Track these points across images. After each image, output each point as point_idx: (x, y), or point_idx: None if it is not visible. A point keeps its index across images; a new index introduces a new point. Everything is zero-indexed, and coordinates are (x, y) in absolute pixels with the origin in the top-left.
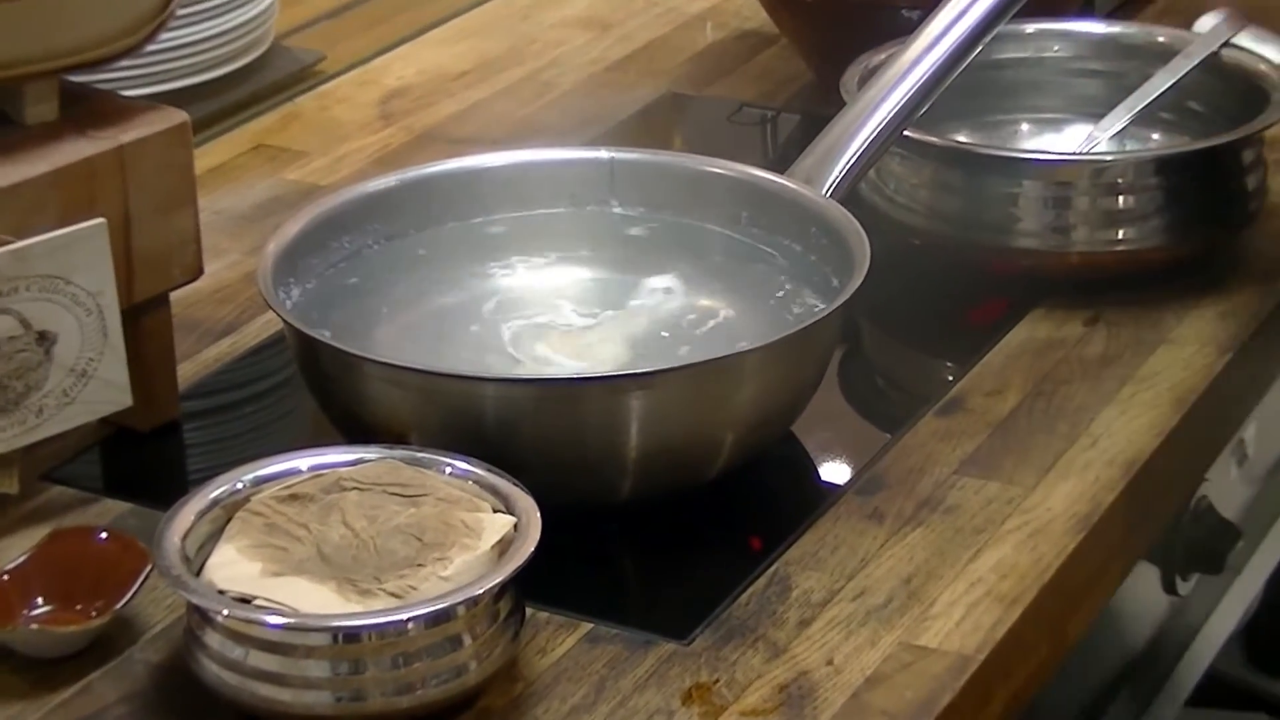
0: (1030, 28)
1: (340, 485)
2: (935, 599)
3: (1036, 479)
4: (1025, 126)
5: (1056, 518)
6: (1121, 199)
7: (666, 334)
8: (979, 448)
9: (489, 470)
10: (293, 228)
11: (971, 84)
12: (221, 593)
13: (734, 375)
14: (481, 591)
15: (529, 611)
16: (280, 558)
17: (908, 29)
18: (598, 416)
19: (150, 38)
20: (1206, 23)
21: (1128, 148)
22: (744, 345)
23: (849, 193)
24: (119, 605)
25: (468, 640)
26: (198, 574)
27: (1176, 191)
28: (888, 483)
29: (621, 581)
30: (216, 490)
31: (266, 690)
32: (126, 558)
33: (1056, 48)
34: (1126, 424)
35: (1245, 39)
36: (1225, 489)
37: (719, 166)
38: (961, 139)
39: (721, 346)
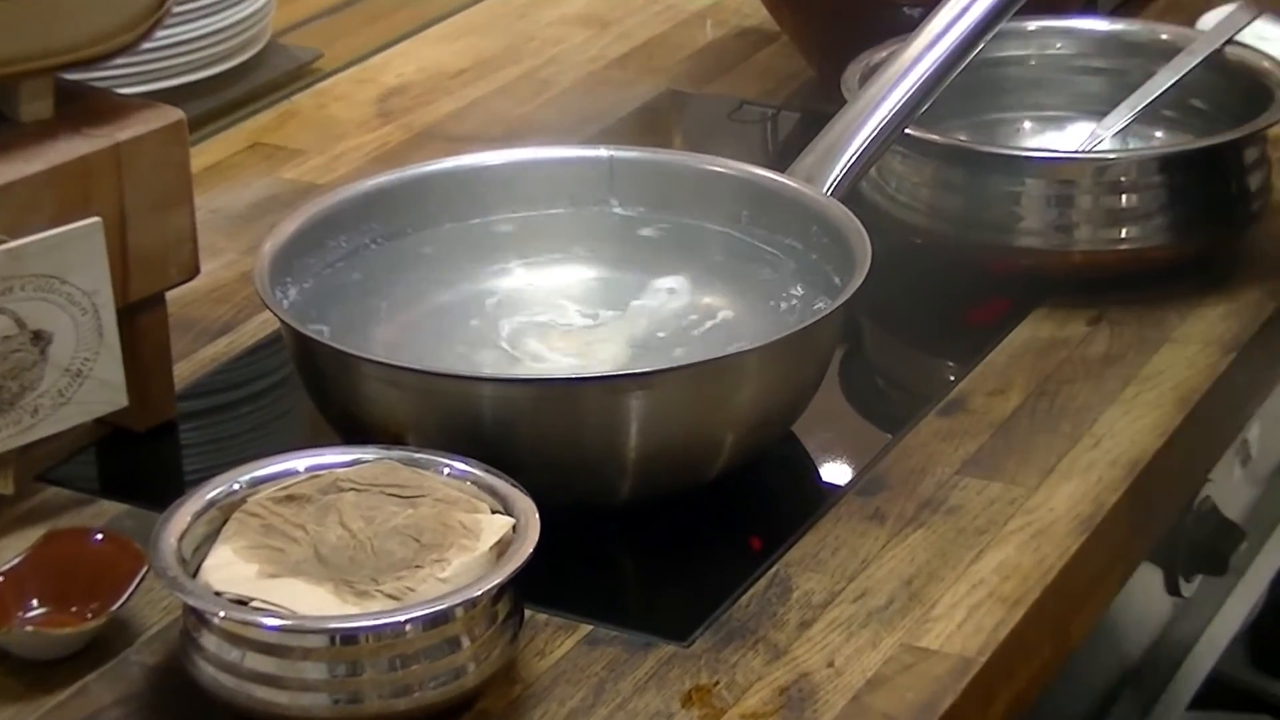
0: (1032, 25)
1: (337, 486)
2: (937, 600)
3: (1039, 479)
4: (1027, 124)
5: (1059, 518)
6: (1124, 197)
7: (666, 334)
8: (981, 448)
9: (487, 471)
10: (289, 226)
11: (973, 82)
12: (218, 594)
13: (734, 375)
14: (480, 593)
15: (528, 613)
16: (277, 559)
17: (909, 26)
18: (597, 417)
19: (146, 35)
20: (1210, 19)
21: (1131, 146)
22: (744, 345)
23: (850, 191)
24: (115, 607)
25: (466, 642)
26: (194, 575)
27: (1180, 190)
28: (889, 483)
29: (621, 583)
30: (213, 491)
31: (263, 692)
32: (122, 559)
33: (1059, 45)
34: (1129, 424)
35: (1250, 36)
36: (1229, 489)
37: (719, 165)
38: (963, 137)
39: (721, 346)
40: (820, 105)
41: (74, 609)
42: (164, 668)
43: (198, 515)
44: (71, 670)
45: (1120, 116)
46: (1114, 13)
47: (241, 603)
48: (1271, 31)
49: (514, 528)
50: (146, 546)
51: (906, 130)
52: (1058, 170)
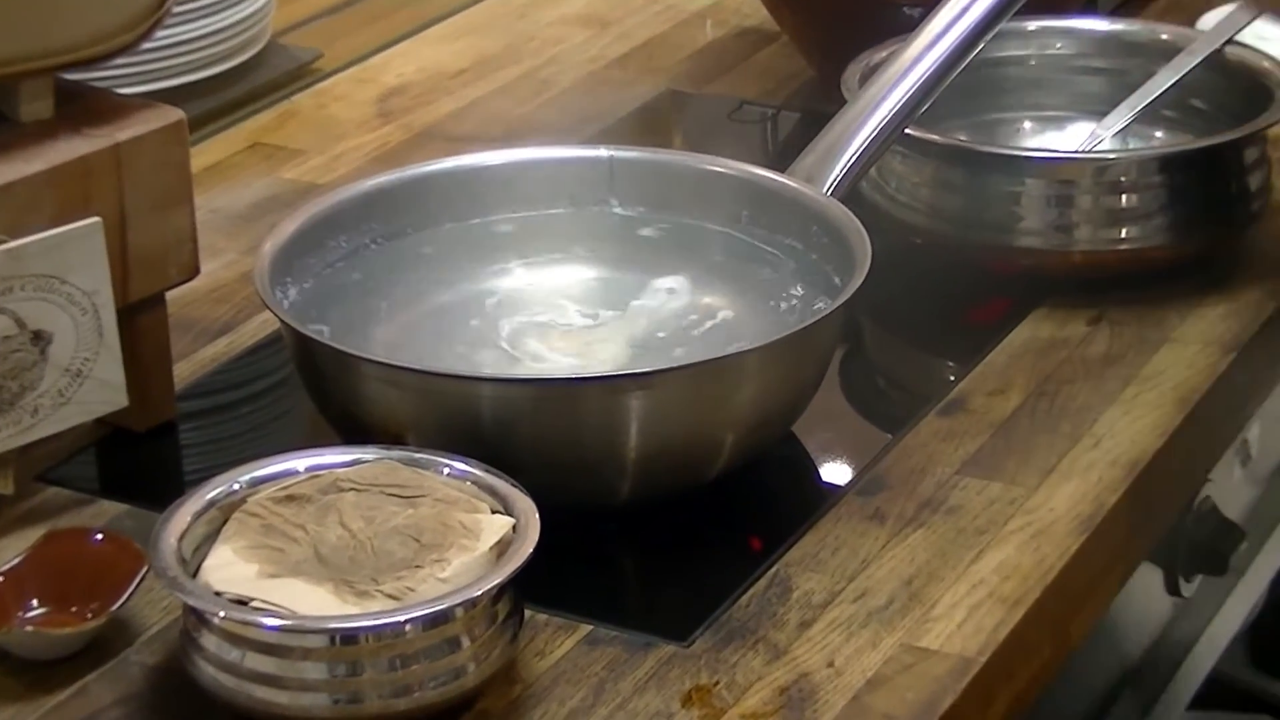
0: (1032, 25)
1: (337, 486)
2: (937, 600)
3: (1039, 479)
4: (1027, 124)
5: (1059, 519)
6: (1124, 197)
7: (666, 334)
8: (981, 448)
9: (487, 471)
10: (290, 226)
11: (973, 82)
12: (218, 594)
13: (734, 375)
14: (480, 593)
15: (527, 613)
16: (277, 559)
17: (909, 26)
18: (597, 417)
19: (146, 35)
20: (1210, 19)
21: (1131, 146)
22: (744, 345)
23: (850, 191)
24: (115, 607)
25: (466, 642)
26: (194, 575)
27: (1180, 190)
28: (889, 483)
29: (621, 583)
30: (213, 491)
31: (263, 692)
32: (122, 559)
33: (1059, 45)
34: (1130, 424)
35: (1250, 36)
36: (1229, 489)
37: (719, 165)
38: (963, 137)
39: (721, 347)
40: (820, 105)
41: (74, 609)
42: (164, 668)
43: (198, 515)
44: (71, 670)
45: (1120, 116)
46: (1114, 13)
47: (241, 603)
48: (1271, 31)
49: (514, 528)
50: (146, 546)
51: (906, 130)
52: (1058, 170)
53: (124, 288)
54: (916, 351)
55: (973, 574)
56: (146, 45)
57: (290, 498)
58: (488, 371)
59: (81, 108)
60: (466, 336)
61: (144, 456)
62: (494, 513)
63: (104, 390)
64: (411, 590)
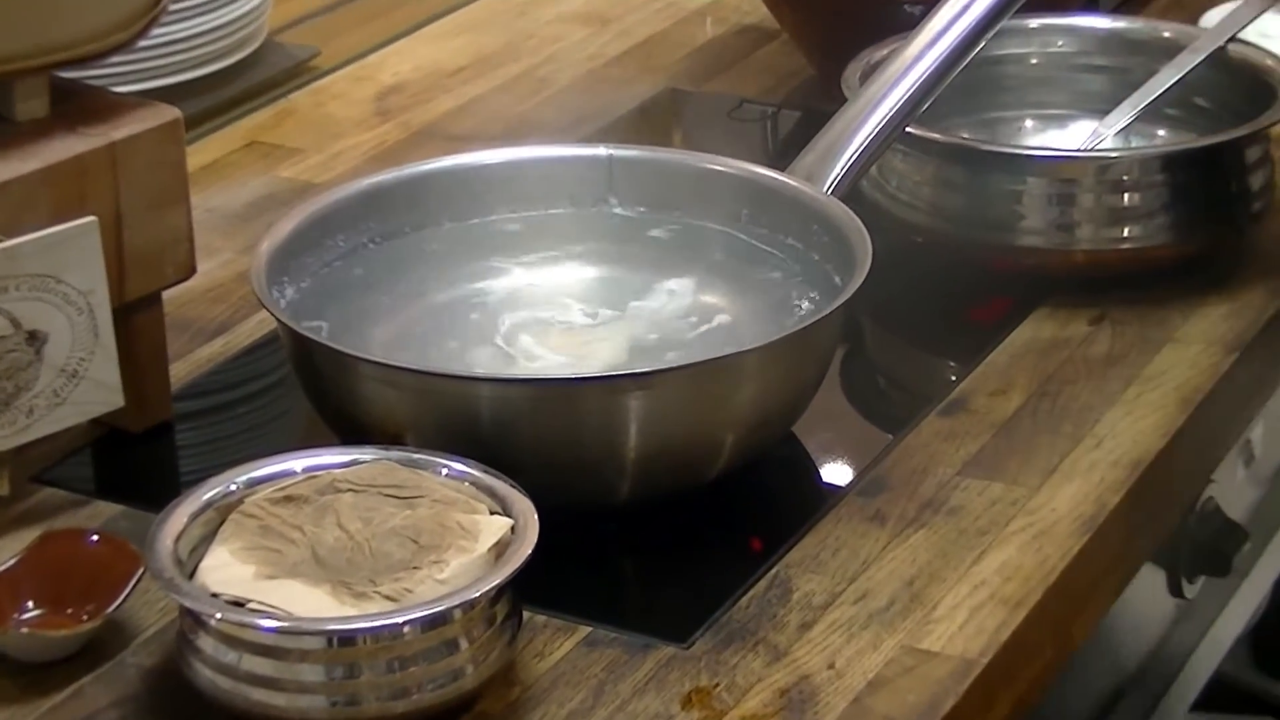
0: (1034, 23)
1: (335, 487)
2: (938, 602)
3: (1041, 480)
4: (1029, 123)
5: (1061, 519)
6: (1127, 196)
7: (665, 334)
8: (982, 448)
9: (485, 471)
10: (287, 226)
11: (975, 80)
12: (214, 596)
13: (734, 375)
14: (478, 594)
15: (526, 615)
16: (274, 560)
17: (910, 24)
18: (596, 417)
19: (142, 33)
20: (1213, 17)
21: (1133, 144)
22: (744, 345)
23: (851, 190)
24: (111, 609)
25: (464, 644)
26: (190, 577)
27: (1182, 189)
28: (890, 484)
29: (620, 584)
30: (209, 492)
31: (260, 695)
32: (118, 560)
33: (1061, 43)
34: (1132, 424)
35: (1253, 33)
36: (1232, 490)
37: (719, 164)
38: (965, 135)
39: (721, 346)
40: (821, 103)
41: (69, 611)
42: (160, 670)
43: (194, 516)
44: (67, 672)
45: (1122, 115)
46: (1116, 10)
47: (238, 604)
48: (1275, 29)
49: (512, 529)
50: (142, 548)
51: (907, 129)
52: (1060, 169)
53: (120, 287)
54: (917, 351)
55: (974, 575)
56: (142, 43)
57: (287, 499)
58: (486, 372)
59: (77, 106)
60: (464, 336)
61: (140, 457)
62: (492, 514)
63: (100, 391)
64: (409, 592)
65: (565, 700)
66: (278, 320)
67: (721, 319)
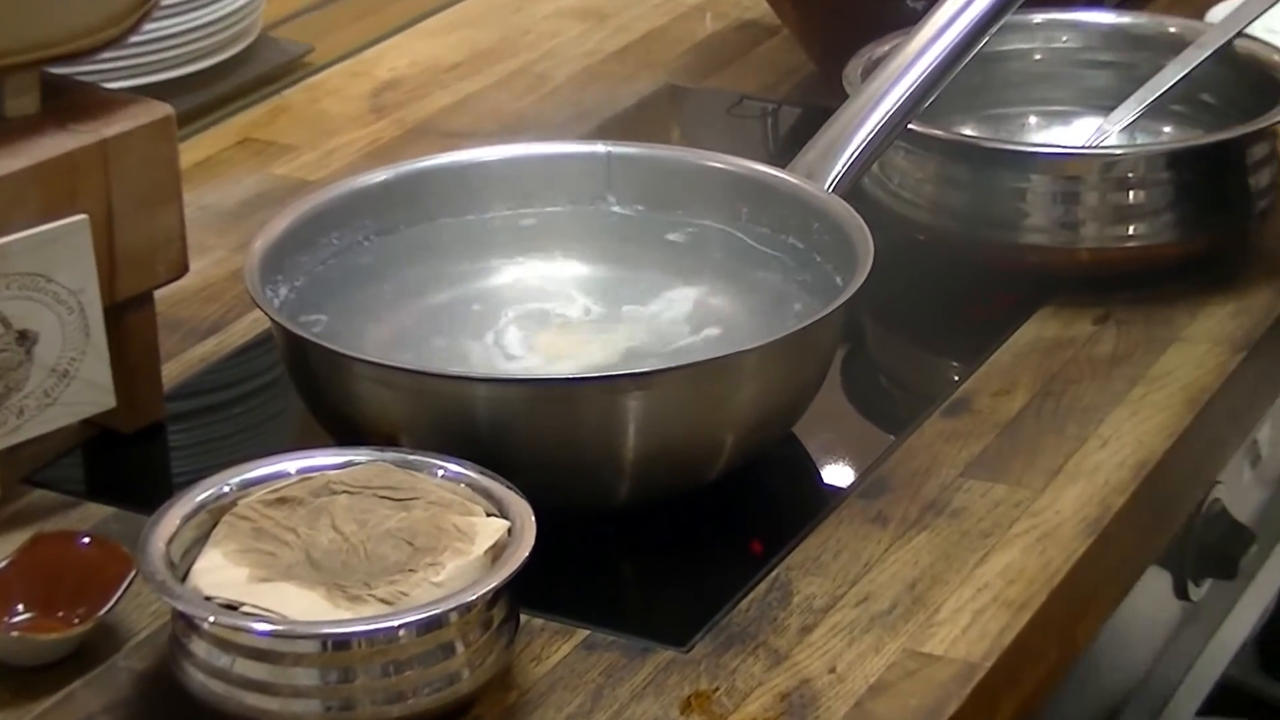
0: (1038, 18)
1: (330, 488)
2: (941, 605)
3: (1045, 481)
4: (1033, 119)
5: (1065, 521)
6: (1132, 194)
7: (663, 333)
8: (986, 449)
9: (482, 473)
10: (280, 224)
11: (978, 76)
12: (207, 599)
13: (734, 375)
14: (475, 598)
15: (523, 618)
16: (268, 563)
17: (912, 19)
18: (594, 417)
19: (134, 29)
20: (1219, 12)
21: (1138, 141)
22: (744, 345)
23: (852, 188)
24: (102, 612)
25: (460, 648)
26: (183, 580)
27: (1188, 186)
28: (892, 485)
29: (618, 587)
30: (202, 494)
31: (254, 699)
32: (110, 563)
33: (1065, 38)
34: (1137, 425)
35: (1260, 29)
36: (1239, 491)
37: (719, 161)
38: (967, 132)
39: (720, 346)
40: (822, 100)
41: (60, 614)
42: (152, 674)
43: (187, 518)
44: (58, 677)
45: (1128, 111)
46: (1121, 5)
47: (231, 607)
48: None
49: (509, 531)
50: (134, 550)
51: (910, 125)
52: (1064, 166)
53: (111, 286)
54: (920, 351)
55: (977, 578)
56: (134, 39)
57: (281, 500)
58: (483, 372)
59: (68, 103)
60: (459, 335)
61: (132, 458)
62: (489, 515)
63: (91, 391)
64: (405, 594)
65: (563, 704)
66: (271, 319)
67: (720, 318)
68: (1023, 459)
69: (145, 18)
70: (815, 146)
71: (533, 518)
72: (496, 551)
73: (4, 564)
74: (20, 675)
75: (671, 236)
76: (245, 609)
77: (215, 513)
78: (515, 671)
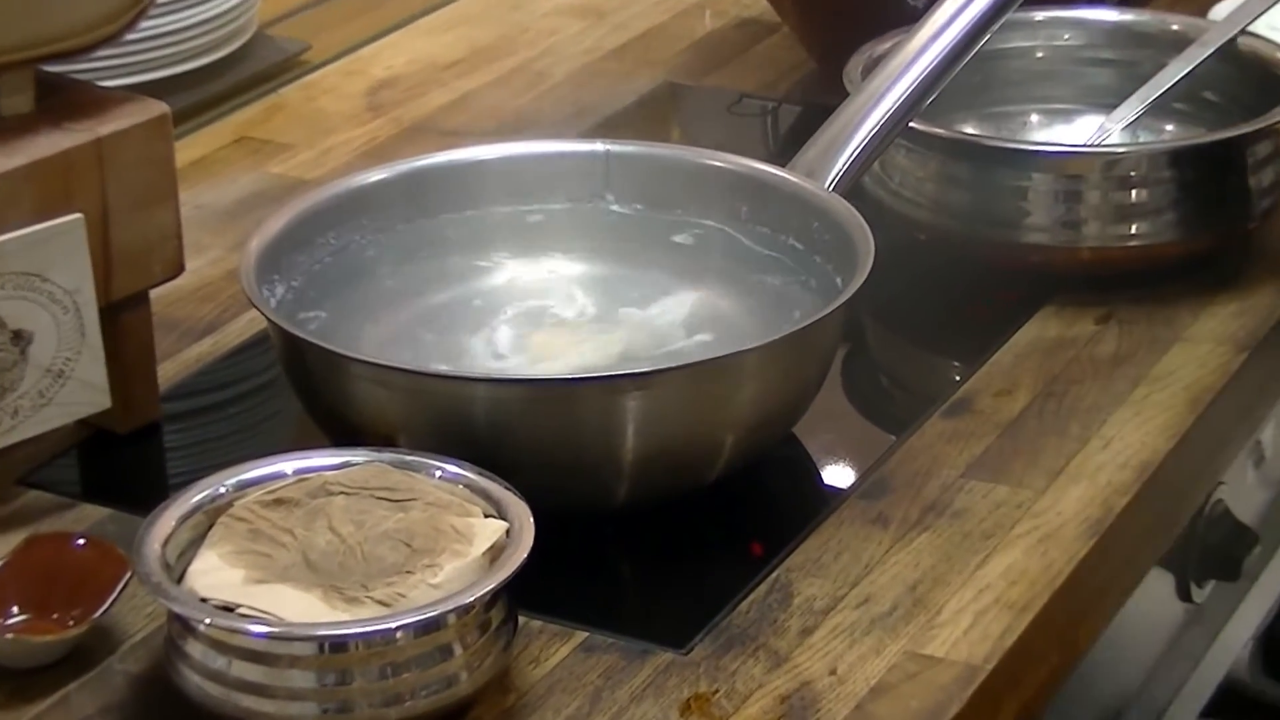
0: (1040, 15)
1: (326, 490)
2: (942, 606)
3: (1047, 482)
4: (1035, 118)
5: (1067, 522)
6: (1134, 192)
7: (661, 333)
8: (987, 450)
9: (480, 474)
10: (277, 223)
11: (979, 74)
12: (203, 601)
13: (733, 375)
14: (473, 599)
15: (522, 620)
16: (264, 564)
17: (913, 17)
18: (593, 418)
19: (129, 26)
20: (1222, 9)
21: (1141, 139)
22: (744, 345)
23: (853, 186)
24: (97, 614)
25: (458, 650)
26: (179, 581)
27: (1191, 185)
28: (893, 486)
29: (618, 589)
30: (198, 495)
31: (250, 701)
32: (105, 565)
33: (1067, 36)
34: (1140, 425)
35: (1263, 26)
36: (1242, 492)
37: (718, 159)
38: (969, 130)
39: (720, 345)
40: (822, 98)
41: (55, 616)
42: (148, 676)
43: (183, 520)
44: (53, 679)
45: (1130, 109)
46: (1123, 3)
47: (228, 609)
48: None
49: (508, 532)
50: (130, 552)
51: (911, 124)
52: (1066, 165)
53: (106, 286)
54: (921, 351)
55: (979, 579)
56: (130, 37)
57: (278, 501)
58: (481, 372)
59: (63, 101)
60: (456, 335)
61: (127, 459)
62: (487, 516)
63: (86, 391)
64: (402, 596)
65: (561, 707)
66: (268, 319)
67: (719, 317)
68: (1024, 459)
69: (140, 15)
70: (815, 145)
71: (531, 519)
72: (495, 553)
73: None
74: (15, 677)
75: (671, 235)
76: (241, 611)
77: (211, 514)
78: (513, 674)
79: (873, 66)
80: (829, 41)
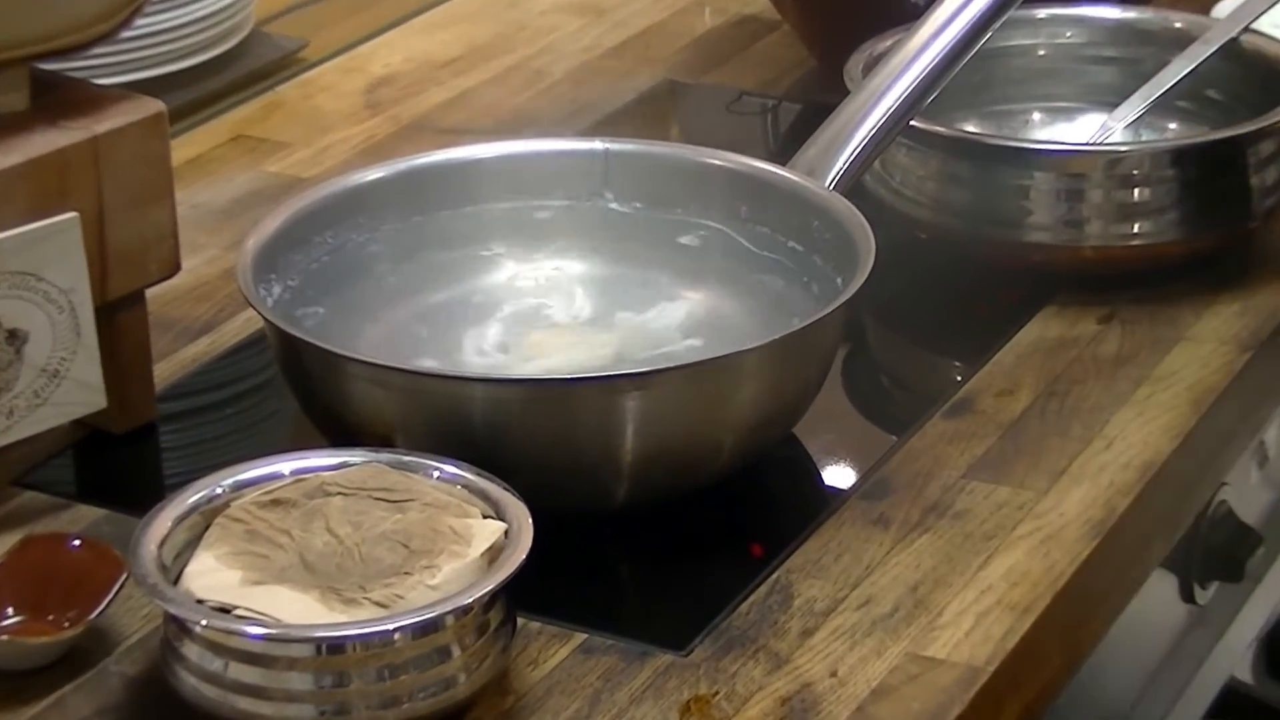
0: (1042, 13)
1: (324, 490)
2: (943, 608)
3: (1049, 483)
4: (1037, 116)
5: (1070, 523)
6: (1137, 191)
7: (659, 333)
8: (989, 450)
9: (478, 474)
10: (274, 222)
11: (980, 72)
12: (200, 602)
13: (733, 375)
14: (471, 601)
15: (520, 621)
16: (261, 566)
17: (914, 14)
18: (592, 418)
19: (125, 24)
20: (1225, 7)
21: (1143, 138)
22: (744, 344)
23: (853, 185)
24: (93, 615)
25: (457, 651)
26: (175, 583)
27: (1194, 183)
28: (894, 487)
29: (617, 590)
30: (194, 495)
31: (247, 704)
32: (101, 566)
33: (1069, 34)
34: (1142, 425)
35: (1266, 24)
36: (1245, 493)
37: (718, 158)
38: (970, 129)
39: (719, 345)
40: (822, 96)
41: (50, 617)
42: (144, 678)
43: (179, 520)
44: (48, 681)
45: (1132, 108)
46: (1126, 0)
47: (224, 611)
48: None
49: (506, 533)
50: (126, 553)
51: (912, 122)
52: (1068, 163)
53: (102, 285)
54: (922, 350)
55: (980, 580)
56: (125, 34)
57: (275, 502)
58: (479, 371)
59: (58, 99)
60: (453, 334)
61: (123, 460)
62: (485, 517)
63: (82, 391)
64: (400, 598)
65: (560, 709)
66: (264, 319)
67: (718, 317)
68: (1026, 460)
69: (137, 13)
70: (816, 143)
71: (530, 520)
72: (493, 554)
73: None
74: (10, 679)
75: (670, 234)
76: (238, 612)
77: (208, 515)
78: (512, 675)
79: (873, 64)
80: (829, 39)
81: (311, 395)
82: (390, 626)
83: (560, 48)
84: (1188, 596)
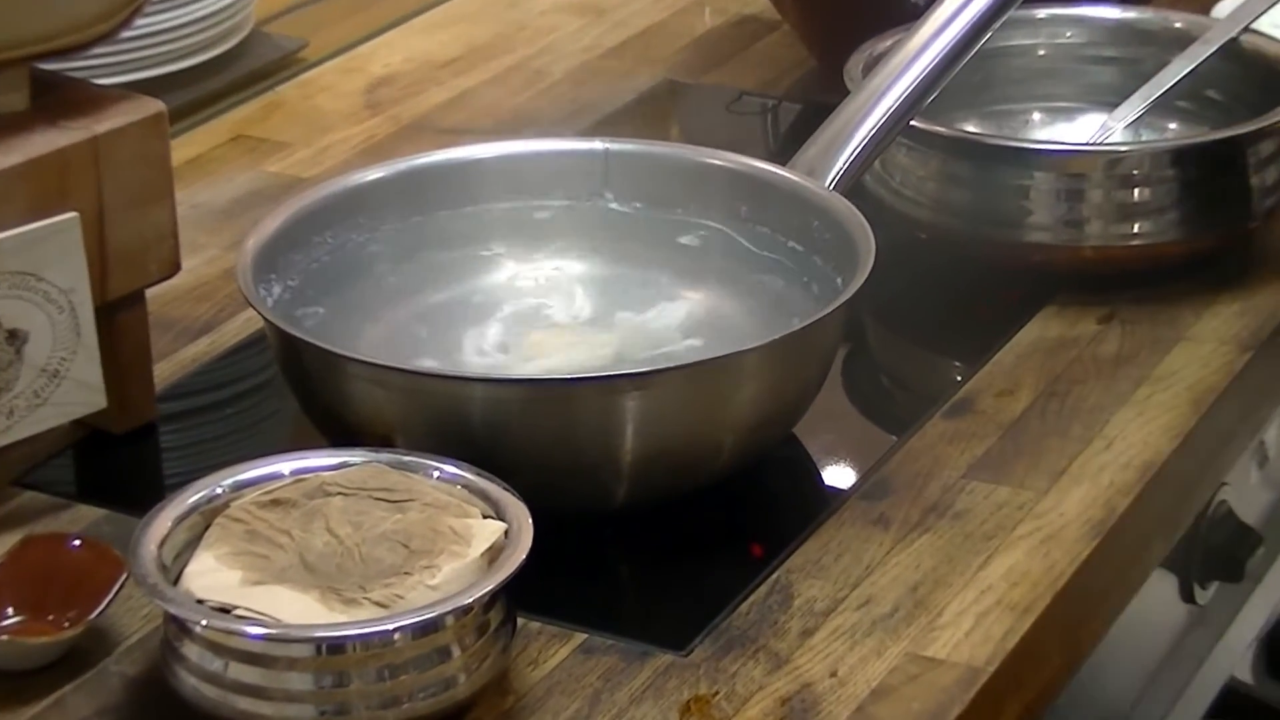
0: (1042, 13)
1: (324, 490)
2: (943, 608)
3: (1049, 483)
4: (1037, 116)
5: (1070, 523)
6: (1137, 191)
7: (659, 333)
8: (989, 450)
9: (478, 474)
10: (274, 222)
11: (980, 72)
12: (200, 602)
13: (733, 375)
14: (471, 601)
15: (520, 622)
16: (261, 566)
17: (914, 14)
18: (592, 418)
19: (125, 24)
20: (1225, 7)
21: (1143, 138)
22: (744, 344)
23: (853, 185)
24: (93, 615)
25: (457, 651)
26: (175, 583)
27: (1194, 183)
28: (894, 487)
29: (617, 590)
30: (194, 496)
31: (247, 704)
32: (101, 566)
33: (1069, 34)
34: (1143, 425)
35: (1266, 24)
36: (1246, 493)
37: (718, 158)
38: (970, 129)
39: (719, 345)
40: (822, 96)
41: (51, 617)
42: (144, 678)
43: (179, 520)
44: (48, 681)
45: (1132, 107)
46: (1126, 0)
47: (224, 611)
48: None
49: (506, 533)
50: (126, 553)
51: (912, 122)
52: (1068, 163)
53: (102, 285)
54: (922, 351)
55: (980, 580)
56: (125, 34)
57: (275, 502)
58: (479, 371)
59: (58, 99)
60: (453, 334)
61: (123, 460)
62: (485, 517)
63: (82, 391)
64: (400, 598)
65: (560, 709)
66: (264, 319)
67: (718, 317)
68: (1026, 460)
69: (137, 13)
70: (816, 143)
71: (530, 520)
72: (493, 554)
73: None
74: (9, 679)
75: (670, 234)
76: (238, 612)
77: (208, 515)
78: (512, 676)
79: (873, 64)
80: (829, 39)
81: (311, 395)
82: (390, 626)
83: (560, 48)
84: (1188, 596)
